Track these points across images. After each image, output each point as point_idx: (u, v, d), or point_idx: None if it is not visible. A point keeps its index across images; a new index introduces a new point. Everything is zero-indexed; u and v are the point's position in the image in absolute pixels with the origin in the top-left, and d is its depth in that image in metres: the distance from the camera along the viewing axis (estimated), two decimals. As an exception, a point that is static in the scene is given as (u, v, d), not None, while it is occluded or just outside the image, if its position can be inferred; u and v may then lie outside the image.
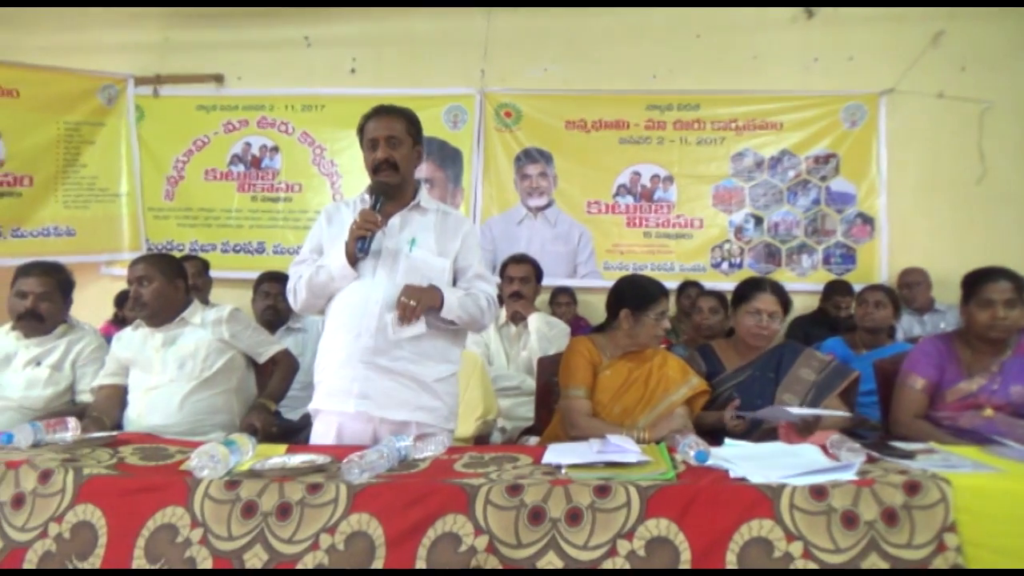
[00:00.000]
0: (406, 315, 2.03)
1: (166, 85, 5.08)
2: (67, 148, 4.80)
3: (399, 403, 2.09)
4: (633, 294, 2.43)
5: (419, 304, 2.03)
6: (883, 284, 3.84)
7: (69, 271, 2.77)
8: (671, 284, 4.58)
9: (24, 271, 2.64)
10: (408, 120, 2.21)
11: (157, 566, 1.55)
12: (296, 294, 2.20)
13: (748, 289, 2.56)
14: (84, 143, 4.85)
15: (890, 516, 1.48)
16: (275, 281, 3.71)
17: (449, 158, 4.94)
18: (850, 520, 1.48)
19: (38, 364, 2.54)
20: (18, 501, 1.64)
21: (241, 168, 5.07)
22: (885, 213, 4.71)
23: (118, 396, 2.51)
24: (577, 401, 2.36)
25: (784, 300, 2.53)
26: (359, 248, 2.06)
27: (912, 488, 1.51)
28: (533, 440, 2.73)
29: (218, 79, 5.09)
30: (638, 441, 1.99)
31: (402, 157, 2.17)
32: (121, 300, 4.17)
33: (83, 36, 5.06)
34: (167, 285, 2.54)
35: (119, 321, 4.13)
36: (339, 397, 2.10)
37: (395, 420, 2.08)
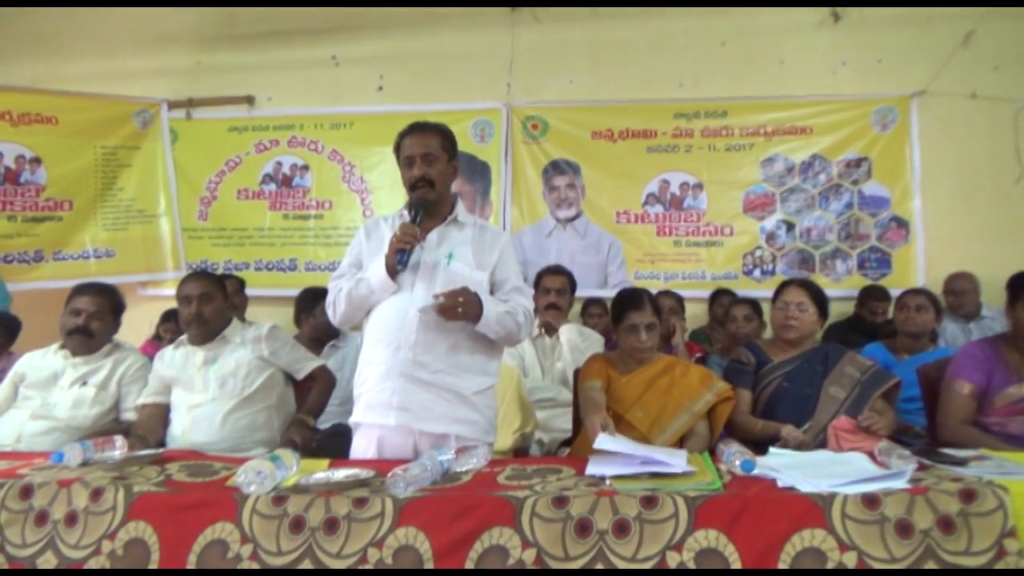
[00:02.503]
0: (446, 310, 2.01)
1: (198, 108, 5.17)
2: (104, 172, 4.91)
3: (438, 416, 2.09)
4: (612, 313, 2.60)
5: (463, 311, 2.02)
6: (923, 287, 3.77)
7: (121, 294, 2.84)
8: (703, 293, 4.62)
9: (80, 290, 2.71)
10: (443, 136, 2.23)
11: (208, 582, 1.56)
12: (335, 307, 2.22)
13: (778, 288, 2.63)
14: (121, 167, 4.96)
15: (946, 524, 1.45)
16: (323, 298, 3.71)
17: (477, 172, 4.96)
18: (905, 528, 1.46)
19: (84, 383, 2.59)
20: (71, 519, 1.67)
21: (273, 187, 5.14)
22: (920, 216, 4.63)
23: (161, 414, 2.55)
24: (592, 392, 2.41)
25: (815, 294, 2.55)
26: (399, 260, 2.07)
27: (968, 496, 1.48)
28: (568, 452, 2.72)
29: (249, 101, 5.17)
30: None
31: (438, 173, 2.19)
32: (167, 318, 4.24)
33: (117, 63, 5.19)
34: (223, 303, 2.63)
35: (158, 340, 4.20)
36: (379, 410, 2.10)
37: (434, 433, 2.09)
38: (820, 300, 2.56)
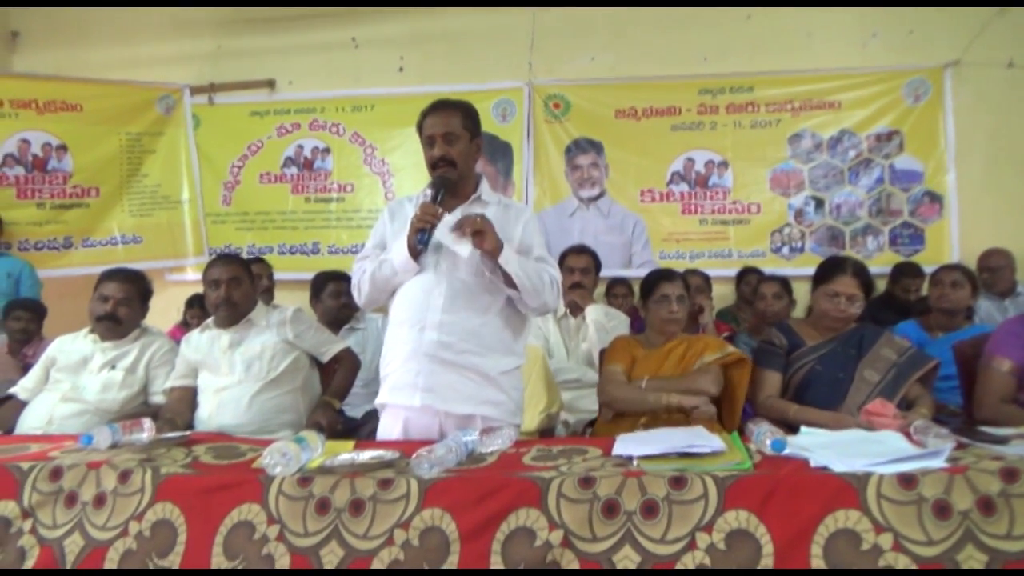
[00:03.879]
0: (466, 229, 1.98)
1: (220, 93, 5.18)
2: (129, 159, 4.95)
3: (464, 397, 2.08)
4: (642, 288, 2.62)
5: (483, 230, 1.97)
6: (959, 263, 3.67)
7: (149, 280, 2.86)
8: (729, 272, 4.55)
9: (108, 276, 2.73)
10: (465, 114, 2.19)
11: (236, 563, 1.57)
12: (360, 289, 2.20)
13: (829, 269, 2.47)
14: (145, 153, 5.00)
15: (986, 505, 1.40)
16: (342, 280, 3.71)
17: (499, 152, 4.92)
18: (943, 510, 1.41)
19: (113, 367, 2.62)
20: (99, 500, 1.68)
21: (294, 171, 5.14)
22: (955, 190, 4.52)
23: (189, 397, 2.57)
24: (612, 373, 2.44)
25: (866, 282, 2.44)
26: (419, 240, 2.04)
27: (1010, 475, 1.43)
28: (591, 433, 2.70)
29: (270, 84, 5.17)
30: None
31: (459, 153, 2.15)
32: (191, 303, 4.28)
33: (139, 49, 5.22)
34: (250, 286, 2.65)
35: (186, 326, 4.24)
36: (405, 391, 2.09)
37: (460, 414, 2.07)
38: (869, 287, 2.47)
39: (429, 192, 2.15)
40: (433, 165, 2.16)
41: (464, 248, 2.00)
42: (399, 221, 2.22)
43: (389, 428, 2.15)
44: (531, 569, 1.47)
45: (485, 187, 2.24)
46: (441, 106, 2.19)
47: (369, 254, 2.24)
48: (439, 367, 2.06)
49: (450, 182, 2.14)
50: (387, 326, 2.22)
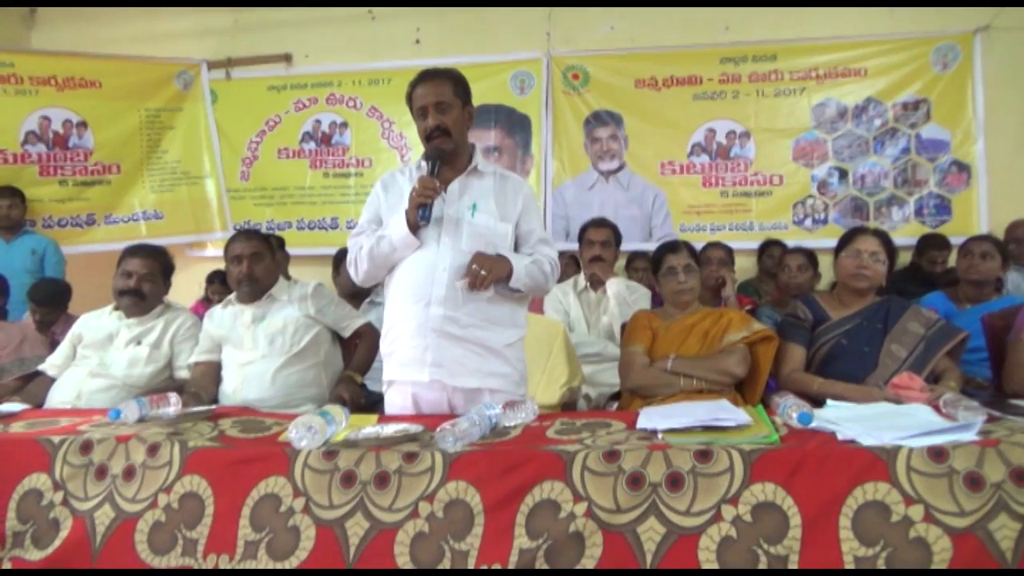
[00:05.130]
0: (476, 283, 2.00)
1: (237, 68, 5.17)
2: (149, 135, 4.97)
3: (471, 371, 2.08)
4: (652, 264, 2.65)
5: (490, 274, 2.00)
6: (989, 234, 3.59)
7: (171, 256, 2.87)
8: (751, 244, 4.49)
9: (131, 252, 2.74)
10: (455, 82, 2.16)
11: (262, 535, 1.59)
12: (357, 265, 2.18)
13: (848, 234, 2.47)
14: (165, 129, 5.02)
15: (1020, 476, 1.38)
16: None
17: (517, 125, 4.88)
18: (975, 482, 1.39)
19: (138, 343, 2.64)
20: (129, 473, 1.71)
21: (312, 145, 5.13)
22: (983, 159, 4.41)
23: (213, 372, 2.59)
24: (634, 356, 2.42)
25: (887, 243, 2.41)
26: (420, 216, 2.02)
27: (1045, 448, 1.40)
28: (616, 407, 2.69)
29: (287, 59, 5.15)
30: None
31: (453, 121, 2.12)
32: (212, 279, 4.30)
33: (155, 24, 5.21)
34: (272, 261, 2.66)
35: (208, 302, 4.27)
36: (413, 367, 2.09)
37: (467, 388, 2.08)
38: (892, 251, 2.43)
39: (424, 164, 2.13)
40: (428, 136, 2.13)
41: (484, 294, 2.06)
42: (393, 194, 2.21)
43: (399, 404, 2.16)
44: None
45: (480, 157, 2.22)
46: (430, 75, 2.15)
47: (364, 229, 2.21)
48: (446, 342, 2.06)
49: (445, 153, 2.11)
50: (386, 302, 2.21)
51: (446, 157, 2.12)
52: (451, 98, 2.13)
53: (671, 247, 2.59)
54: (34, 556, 1.66)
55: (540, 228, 2.24)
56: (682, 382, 2.31)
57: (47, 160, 4.70)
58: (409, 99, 2.18)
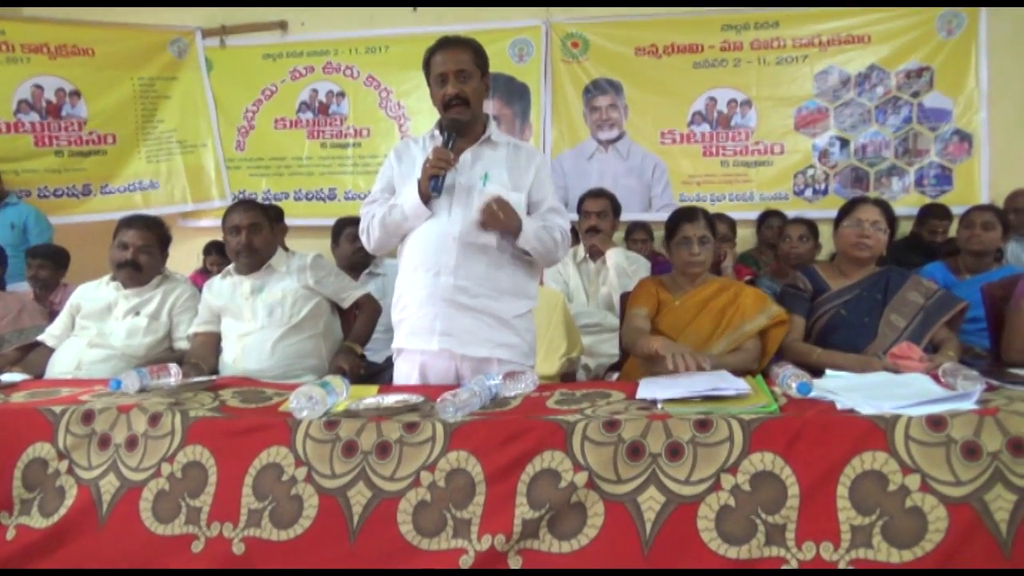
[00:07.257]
0: (488, 220, 2.00)
1: (232, 35, 5.08)
2: (144, 104, 4.91)
3: (480, 340, 2.09)
4: (666, 227, 2.50)
5: (504, 216, 2.00)
6: (991, 204, 3.58)
7: (168, 226, 2.85)
8: (750, 215, 4.48)
9: (127, 223, 2.72)
10: (475, 51, 2.14)
11: (265, 503, 1.60)
12: (370, 234, 2.19)
13: (849, 204, 2.45)
14: (160, 98, 4.95)
15: (1017, 446, 1.39)
16: (357, 225, 3.69)
17: (516, 94, 4.82)
18: (972, 451, 1.40)
19: (137, 314, 2.63)
20: (131, 443, 1.71)
21: (309, 115, 5.07)
22: (986, 129, 4.37)
23: (213, 343, 2.59)
24: (636, 319, 2.37)
25: (888, 213, 2.40)
26: (432, 187, 2.02)
27: (1042, 417, 1.41)
28: (617, 377, 2.70)
29: (282, 26, 5.05)
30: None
31: (472, 91, 2.11)
32: (209, 250, 4.29)
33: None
34: (270, 232, 2.64)
35: (206, 273, 4.26)
36: (422, 335, 2.10)
37: (476, 357, 2.09)
38: (892, 220, 2.42)
39: (438, 134, 2.12)
40: (446, 104, 2.11)
41: (486, 238, 2.06)
42: (407, 163, 2.20)
43: (406, 372, 2.17)
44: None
45: (494, 127, 2.20)
46: (450, 43, 2.13)
47: (377, 198, 2.21)
48: (456, 311, 2.06)
49: (462, 124, 2.10)
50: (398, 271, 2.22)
51: (461, 127, 2.10)
52: (471, 67, 2.11)
53: (688, 214, 2.44)
54: (40, 523, 1.67)
55: (552, 198, 2.22)
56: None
57: (41, 130, 4.65)
58: (427, 65, 2.16)
